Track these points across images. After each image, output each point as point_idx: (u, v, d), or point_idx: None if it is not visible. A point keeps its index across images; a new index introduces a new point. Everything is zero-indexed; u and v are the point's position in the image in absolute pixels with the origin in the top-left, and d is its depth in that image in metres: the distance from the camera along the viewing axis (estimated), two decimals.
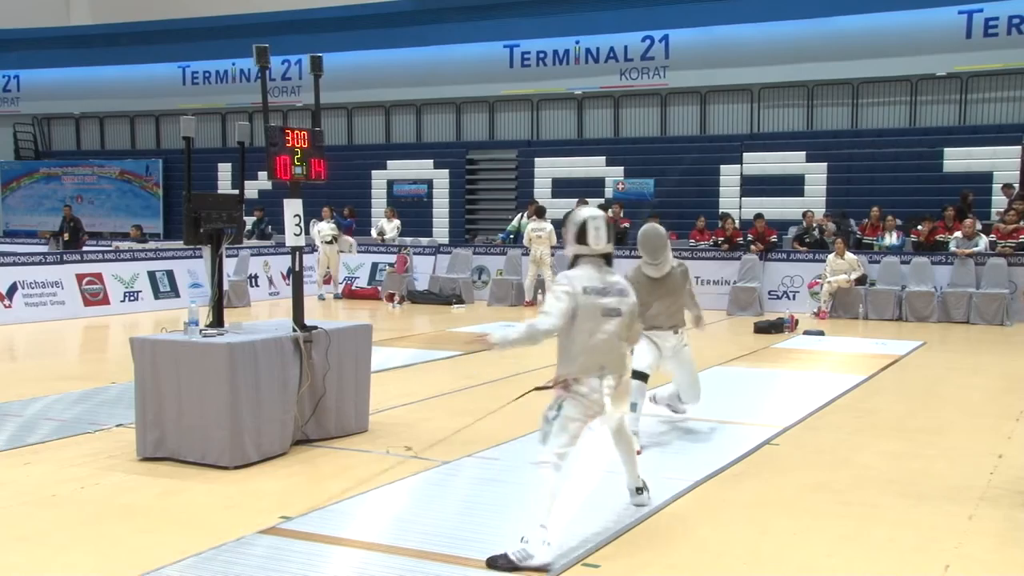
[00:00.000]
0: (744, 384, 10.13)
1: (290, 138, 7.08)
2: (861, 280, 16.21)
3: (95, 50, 28.03)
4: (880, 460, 6.90)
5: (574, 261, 5.22)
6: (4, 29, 28.46)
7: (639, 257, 7.25)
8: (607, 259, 5.23)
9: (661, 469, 6.46)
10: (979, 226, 16.73)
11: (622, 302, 5.20)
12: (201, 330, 6.80)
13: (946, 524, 5.46)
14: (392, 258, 19.69)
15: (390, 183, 24.33)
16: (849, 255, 16.31)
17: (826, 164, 20.17)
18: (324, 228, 19.01)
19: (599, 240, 5.15)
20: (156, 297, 17.20)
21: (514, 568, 4.73)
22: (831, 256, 16.35)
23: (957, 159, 19.30)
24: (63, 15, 30.74)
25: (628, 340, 5.41)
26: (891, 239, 17.25)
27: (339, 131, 25.34)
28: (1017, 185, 18.13)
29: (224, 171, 25.00)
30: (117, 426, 7.65)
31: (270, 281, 19.37)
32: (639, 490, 5.71)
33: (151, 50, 27.31)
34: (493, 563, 4.78)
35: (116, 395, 8.95)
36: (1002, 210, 17.48)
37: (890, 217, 17.46)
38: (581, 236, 5.16)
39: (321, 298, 18.81)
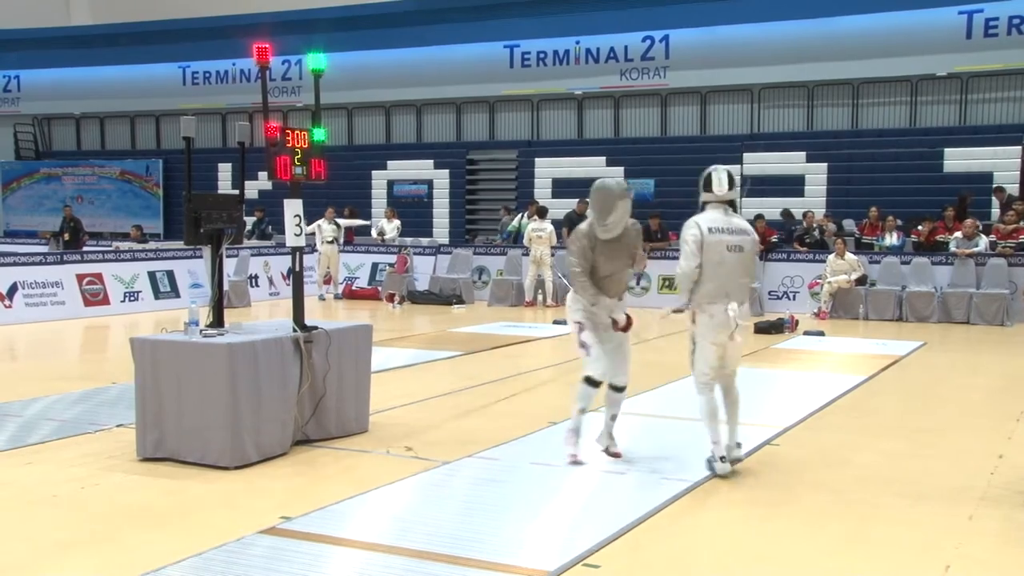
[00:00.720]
0: (744, 384, 9.99)
1: (290, 138, 7.08)
2: (861, 280, 16.21)
3: (95, 50, 28.03)
4: (880, 460, 6.90)
5: (703, 207, 6.26)
6: (4, 29, 28.46)
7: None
8: (732, 205, 6.29)
9: (660, 469, 6.47)
10: (979, 226, 16.73)
11: (743, 240, 6.21)
12: (201, 330, 6.79)
13: (946, 524, 5.46)
14: (392, 258, 19.69)
15: (390, 183, 24.35)
16: (849, 255, 16.31)
17: (826, 164, 20.18)
18: (326, 228, 19.02)
19: (721, 187, 6.19)
20: (156, 297, 17.20)
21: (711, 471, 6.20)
22: (831, 256, 16.35)
23: (957, 159, 19.30)
24: (63, 15, 30.74)
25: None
26: (891, 239, 17.25)
27: (339, 131, 25.33)
28: (1010, 187, 18.11)
29: (224, 171, 25.01)
30: (117, 426, 7.65)
31: (270, 281, 19.37)
32: (723, 458, 6.34)
33: (151, 50, 27.30)
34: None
35: (116, 395, 8.94)
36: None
37: (890, 217, 17.46)
38: (707, 185, 6.23)
39: (321, 298, 18.81)
